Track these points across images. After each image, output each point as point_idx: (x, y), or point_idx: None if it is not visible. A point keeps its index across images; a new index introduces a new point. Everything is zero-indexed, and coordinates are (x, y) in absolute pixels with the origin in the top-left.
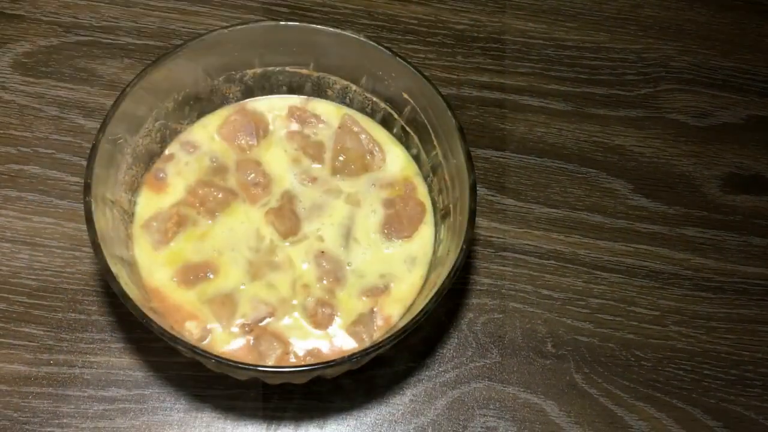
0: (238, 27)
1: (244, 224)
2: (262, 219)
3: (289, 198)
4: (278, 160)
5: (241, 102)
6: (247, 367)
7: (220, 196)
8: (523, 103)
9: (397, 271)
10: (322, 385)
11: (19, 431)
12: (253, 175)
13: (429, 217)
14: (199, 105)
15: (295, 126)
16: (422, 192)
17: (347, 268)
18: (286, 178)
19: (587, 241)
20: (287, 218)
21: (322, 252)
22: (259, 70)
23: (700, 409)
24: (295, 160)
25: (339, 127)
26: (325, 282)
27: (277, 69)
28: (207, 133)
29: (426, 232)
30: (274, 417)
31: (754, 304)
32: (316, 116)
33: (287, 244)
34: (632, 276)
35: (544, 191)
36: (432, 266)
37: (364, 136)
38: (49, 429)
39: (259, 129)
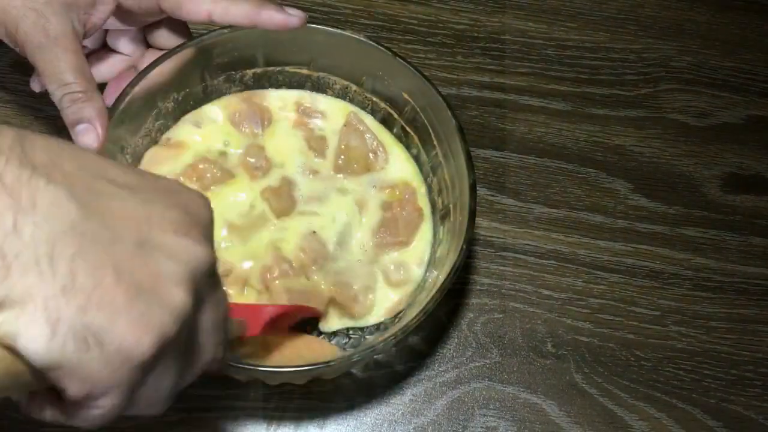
0: (238, 27)
1: (240, 197)
2: (258, 195)
3: (288, 182)
4: (282, 147)
5: (246, 92)
6: (247, 367)
7: (219, 174)
8: (523, 103)
9: (375, 281)
10: (322, 385)
11: (19, 431)
12: (255, 159)
13: (427, 226)
14: (199, 105)
15: (300, 118)
16: (422, 199)
17: (332, 262)
18: (288, 167)
19: (587, 241)
20: (283, 199)
21: (314, 232)
22: (259, 70)
23: (700, 409)
24: (299, 150)
25: (344, 125)
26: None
27: (277, 69)
28: (214, 116)
29: (420, 245)
30: (274, 417)
31: (754, 304)
32: (321, 112)
33: (278, 221)
34: (632, 276)
35: (544, 191)
36: (431, 267)
37: (369, 135)
38: (49, 429)
39: (264, 120)
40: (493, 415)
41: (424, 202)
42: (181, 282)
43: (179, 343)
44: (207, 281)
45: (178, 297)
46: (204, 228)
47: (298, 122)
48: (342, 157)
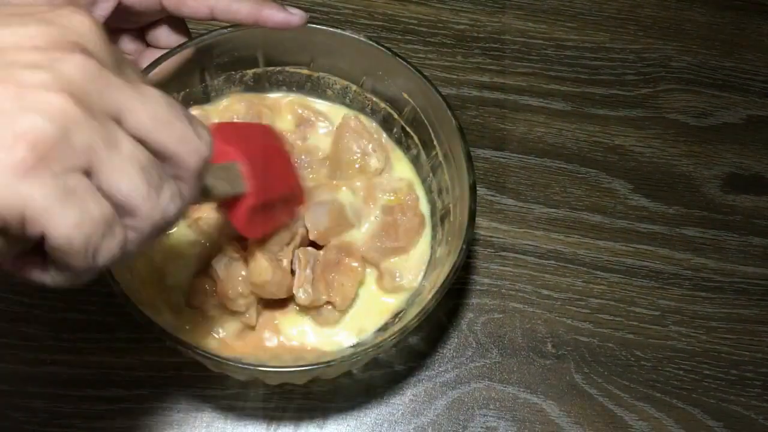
0: (238, 27)
1: None
2: None
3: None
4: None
5: (245, 94)
6: (247, 366)
7: None
8: (523, 103)
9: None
10: (322, 385)
11: (19, 431)
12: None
13: (427, 234)
14: (200, 105)
15: (298, 121)
16: (424, 205)
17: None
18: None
19: (587, 241)
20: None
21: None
22: (259, 70)
23: (700, 409)
24: (295, 145)
25: (337, 128)
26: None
27: (277, 69)
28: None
29: (419, 253)
30: (274, 417)
31: (754, 304)
32: (319, 113)
33: None
34: (632, 276)
35: (544, 191)
36: (431, 267)
37: (364, 138)
38: (49, 429)
39: (262, 119)
40: (493, 415)
41: (425, 209)
42: (51, 87)
43: (73, 145)
44: (99, 89)
45: (47, 101)
46: (81, 40)
47: (296, 124)
48: (328, 162)
